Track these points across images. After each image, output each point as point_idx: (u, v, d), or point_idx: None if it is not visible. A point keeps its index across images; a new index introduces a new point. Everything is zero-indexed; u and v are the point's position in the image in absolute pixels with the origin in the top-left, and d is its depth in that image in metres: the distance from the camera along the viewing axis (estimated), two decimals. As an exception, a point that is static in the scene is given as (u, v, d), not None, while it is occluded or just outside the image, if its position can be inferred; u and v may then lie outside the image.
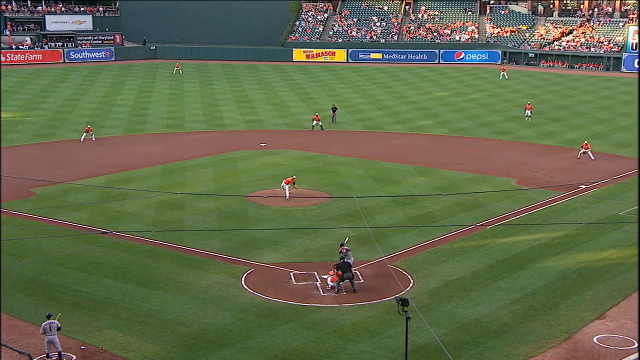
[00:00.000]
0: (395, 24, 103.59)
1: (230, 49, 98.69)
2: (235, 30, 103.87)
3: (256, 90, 73.37)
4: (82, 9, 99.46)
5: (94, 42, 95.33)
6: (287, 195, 35.15)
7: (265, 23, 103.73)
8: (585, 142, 45.30)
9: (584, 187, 37.90)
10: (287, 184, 35.56)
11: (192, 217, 32.65)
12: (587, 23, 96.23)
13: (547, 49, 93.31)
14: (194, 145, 48.57)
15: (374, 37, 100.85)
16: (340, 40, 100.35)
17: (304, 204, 34.50)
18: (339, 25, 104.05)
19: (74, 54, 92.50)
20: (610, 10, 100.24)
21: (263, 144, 48.77)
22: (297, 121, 57.70)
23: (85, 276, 25.61)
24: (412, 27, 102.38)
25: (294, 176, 36.89)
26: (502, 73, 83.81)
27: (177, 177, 39.82)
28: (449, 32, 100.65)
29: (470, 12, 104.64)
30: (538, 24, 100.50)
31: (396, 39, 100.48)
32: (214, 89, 74.09)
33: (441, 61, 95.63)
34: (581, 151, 44.37)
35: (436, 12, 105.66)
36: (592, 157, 43.81)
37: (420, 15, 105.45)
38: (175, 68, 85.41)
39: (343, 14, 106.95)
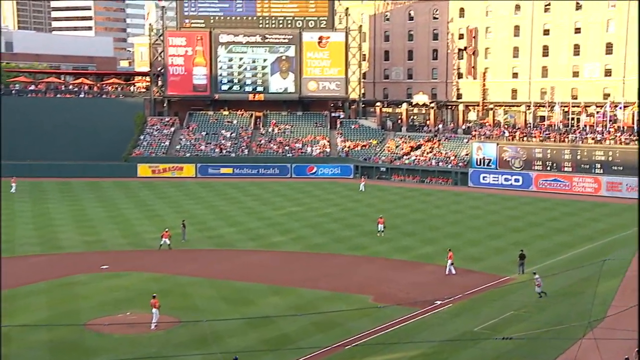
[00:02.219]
0: (246, 137, 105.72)
1: (68, 165, 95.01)
2: (74, 145, 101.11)
3: (97, 208, 71.49)
4: None
5: None
6: (154, 322, 33.89)
7: (107, 137, 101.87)
8: (449, 250, 47.05)
9: (439, 302, 38.99)
10: (155, 307, 34.31)
11: (20, 352, 30.66)
12: (434, 138, 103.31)
13: (398, 163, 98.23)
14: (26, 270, 46.48)
15: (224, 151, 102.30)
16: (188, 155, 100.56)
17: (150, 331, 33.46)
18: (186, 139, 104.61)
19: None
20: (454, 126, 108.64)
21: (105, 266, 47.40)
22: (142, 240, 56.58)
23: None
24: (262, 141, 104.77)
25: (154, 295, 35.72)
26: (361, 184, 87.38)
27: (4, 307, 36.83)
28: (301, 145, 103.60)
29: (320, 127, 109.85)
30: (388, 139, 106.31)
31: (247, 153, 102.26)
32: (48, 208, 71.40)
33: (293, 175, 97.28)
34: (449, 262, 46.08)
35: (287, 126, 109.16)
36: (453, 271, 45.68)
37: (270, 129, 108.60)
38: (12, 184, 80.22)
39: (191, 128, 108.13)
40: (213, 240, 57.50)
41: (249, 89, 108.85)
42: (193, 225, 61.54)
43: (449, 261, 46.49)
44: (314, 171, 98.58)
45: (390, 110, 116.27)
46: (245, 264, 49.45)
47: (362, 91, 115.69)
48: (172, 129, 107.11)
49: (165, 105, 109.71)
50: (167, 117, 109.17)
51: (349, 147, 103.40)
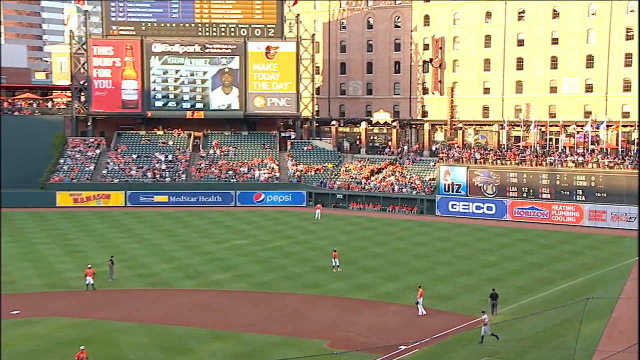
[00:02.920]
0: (183, 161, 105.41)
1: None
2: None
3: (7, 244, 69.62)
4: None
5: None
6: None
7: (20, 161, 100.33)
8: (420, 287, 47.31)
9: (403, 347, 39.11)
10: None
11: None
12: (396, 161, 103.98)
13: (357, 189, 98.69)
14: None
15: (158, 177, 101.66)
16: (116, 181, 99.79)
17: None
18: (114, 162, 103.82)
19: None
20: (418, 148, 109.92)
21: (15, 311, 46.45)
22: (61, 280, 55.79)
23: None
24: (202, 165, 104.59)
25: (82, 348, 35.15)
26: (317, 212, 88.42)
27: None
28: (246, 169, 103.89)
29: (269, 149, 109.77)
30: (345, 162, 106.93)
31: (184, 178, 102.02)
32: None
33: (238, 204, 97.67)
34: (420, 300, 46.11)
35: (230, 148, 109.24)
36: (424, 311, 45.94)
37: (212, 151, 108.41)
38: None
39: (119, 150, 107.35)
40: (145, 279, 57.00)
41: (186, 105, 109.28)
42: (122, 262, 60.90)
43: (420, 299, 46.72)
44: (261, 199, 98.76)
45: (347, 129, 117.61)
46: (183, 305, 49.12)
47: (316, 108, 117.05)
48: (98, 151, 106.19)
49: (89, 124, 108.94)
50: (91, 138, 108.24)
51: (301, 171, 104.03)
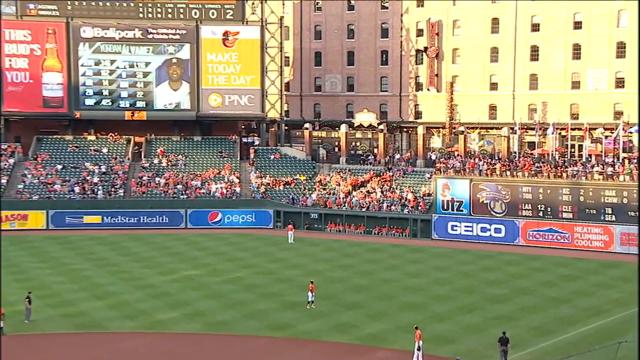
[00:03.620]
0: (121, 172, 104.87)
1: None
2: None
3: None
4: None
5: None
6: None
7: None
8: (416, 328, 46.95)
9: None
10: None
11: None
12: (384, 173, 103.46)
13: (336, 208, 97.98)
14: None
15: (89, 193, 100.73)
16: (35, 198, 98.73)
17: None
18: (33, 175, 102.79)
19: None
20: (411, 156, 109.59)
21: None
22: (-35, 322, 55.33)
23: None
24: (145, 178, 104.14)
25: None
26: (289, 233, 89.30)
27: None
28: (199, 183, 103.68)
29: (227, 158, 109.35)
30: (321, 173, 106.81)
31: (122, 194, 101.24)
32: None
33: (189, 225, 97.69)
34: (417, 345, 45.57)
35: (180, 157, 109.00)
36: (421, 358, 45.16)
37: (156, 161, 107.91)
38: None
39: (39, 159, 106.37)
40: (72, 319, 56.11)
41: (124, 104, 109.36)
42: (42, 299, 59.90)
43: (417, 343, 46.22)
44: (218, 219, 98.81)
45: (323, 134, 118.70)
46: (121, 353, 48.34)
47: (285, 108, 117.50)
48: (12, 160, 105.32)
49: (0, 126, 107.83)
50: (3, 144, 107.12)
51: (266, 185, 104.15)
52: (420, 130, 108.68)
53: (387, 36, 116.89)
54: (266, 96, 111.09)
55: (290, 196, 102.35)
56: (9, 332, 51.75)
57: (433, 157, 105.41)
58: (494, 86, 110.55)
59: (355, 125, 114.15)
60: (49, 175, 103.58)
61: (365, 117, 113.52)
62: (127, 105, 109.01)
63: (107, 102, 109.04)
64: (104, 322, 55.51)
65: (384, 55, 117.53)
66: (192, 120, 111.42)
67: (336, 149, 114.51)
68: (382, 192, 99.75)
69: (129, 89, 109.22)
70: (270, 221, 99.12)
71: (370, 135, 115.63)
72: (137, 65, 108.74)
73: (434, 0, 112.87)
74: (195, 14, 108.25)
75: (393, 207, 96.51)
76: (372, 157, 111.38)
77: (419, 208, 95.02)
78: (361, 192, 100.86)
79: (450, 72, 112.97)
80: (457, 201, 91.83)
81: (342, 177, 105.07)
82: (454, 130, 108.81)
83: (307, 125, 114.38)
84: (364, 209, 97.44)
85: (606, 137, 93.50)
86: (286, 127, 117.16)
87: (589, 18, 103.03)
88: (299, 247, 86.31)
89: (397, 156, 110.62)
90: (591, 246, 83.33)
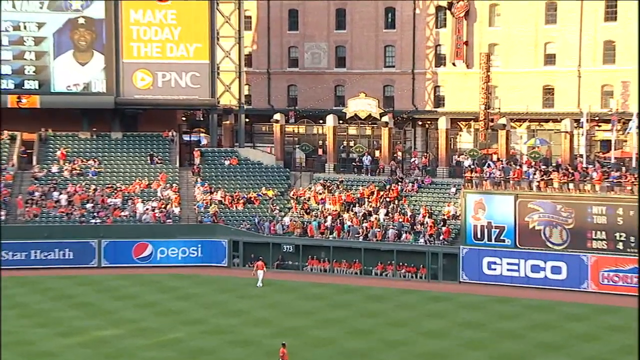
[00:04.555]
0: (1, 186, 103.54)
1: None
2: None
3: None
4: None
5: None
6: None
7: None
8: None
9: None
10: None
11: None
12: (390, 186, 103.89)
13: (319, 236, 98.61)
14: None
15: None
16: None
17: None
18: None
19: None
20: (427, 161, 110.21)
21: None
22: None
23: None
24: (37, 193, 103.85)
25: None
26: (259, 273, 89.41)
27: None
28: (119, 201, 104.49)
29: (161, 163, 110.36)
30: (297, 186, 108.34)
31: (3, 218, 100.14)
32: None
33: (104, 263, 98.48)
34: None
35: (91, 162, 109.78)
36: None
37: (55, 169, 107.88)
38: None
39: None
40: None
41: (7, 85, 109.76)
42: None
43: None
44: (147, 254, 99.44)
45: (302, 129, 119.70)
46: None
47: (246, 91, 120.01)
48: None
49: None
50: None
51: (219, 204, 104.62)
52: (443, 123, 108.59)
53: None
54: (218, 74, 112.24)
55: (254, 220, 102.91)
56: None
57: (463, 163, 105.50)
58: (550, 59, 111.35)
59: (347, 116, 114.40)
60: None
61: (362, 105, 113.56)
62: (11, 87, 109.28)
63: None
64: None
65: (390, 15, 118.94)
66: (109, 109, 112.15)
67: (320, 151, 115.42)
68: (386, 213, 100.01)
69: (12, 62, 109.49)
70: (224, 256, 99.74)
71: (369, 132, 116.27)
72: (25, 28, 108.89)
73: None
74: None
75: (403, 236, 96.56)
76: (371, 162, 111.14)
77: (441, 237, 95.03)
78: (356, 213, 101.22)
79: (486, 39, 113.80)
80: (496, 227, 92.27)
81: (328, 191, 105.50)
82: (491, 124, 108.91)
83: (277, 116, 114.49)
84: (360, 239, 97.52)
85: None
86: (247, 120, 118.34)
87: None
88: (265, 293, 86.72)
89: (415, 160, 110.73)
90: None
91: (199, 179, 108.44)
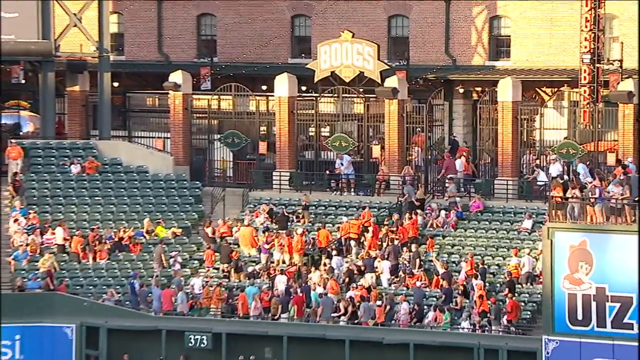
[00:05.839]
0: None
1: None
2: None
3: None
4: None
5: None
6: None
7: None
8: None
9: None
10: None
11: None
12: (408, 213, 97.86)
13: (261, 320, 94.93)
14: None
15: None
16: None
17: None
18: None
19: None
20: (471, 170, 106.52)
21: None
22: None
23: None
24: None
25: None
26: None
27: None
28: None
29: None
30: (216, 212, 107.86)
31: None
32: None
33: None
34: None
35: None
36: None
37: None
38: None
39: None
40: None
41: None
42: None
43: None
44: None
45: (226, 105, 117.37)
46: None
47: (114, 29, 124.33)
48: None
49: None
50: None
51: (56, 252, 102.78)
52: (507, 90, 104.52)
53: None
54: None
55: (130, 284, 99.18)
56: None
57: (548, 170, 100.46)
58: None
59: (317, 78, 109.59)
60: None
61: (345, 56, 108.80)
62: None
63: None
64: None
65: None
66: None
67: (261, 147, 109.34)
68: (394, 270, 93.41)
69: None
70: (69, 356, 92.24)
71: (359, 108, 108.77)
72: None
73: None
74: None
75: (429, 316, 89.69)
76: (360, 167, 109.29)
77: (503, 318, 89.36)
78: (333, 270, 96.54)
79: None
80: (614, 299, 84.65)
81: (279, 226, 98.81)
82: (604, 93, 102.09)
83: (176, 77, 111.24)
84: (341, 321, 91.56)
85: None
86: (117, 85, 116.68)
87: None
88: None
89: (450, 164, 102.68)
90: None
91: (18, 204, 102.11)
